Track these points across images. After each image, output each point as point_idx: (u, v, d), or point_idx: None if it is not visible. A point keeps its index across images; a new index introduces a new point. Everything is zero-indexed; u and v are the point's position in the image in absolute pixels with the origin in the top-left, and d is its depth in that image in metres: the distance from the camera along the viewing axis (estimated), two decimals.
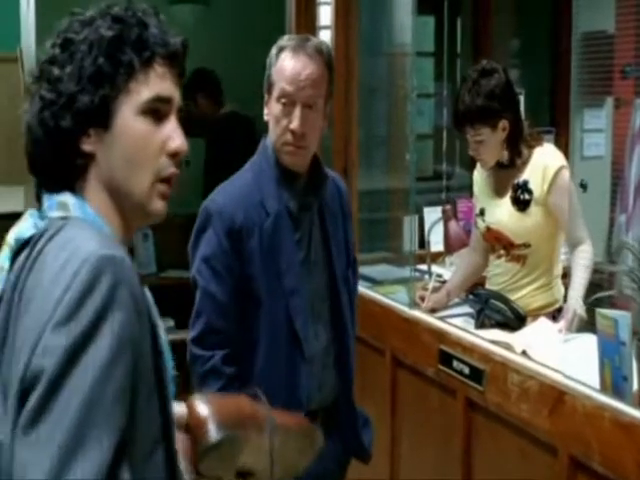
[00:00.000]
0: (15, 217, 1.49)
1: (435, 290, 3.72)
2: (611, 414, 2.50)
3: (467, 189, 5.51)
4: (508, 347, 3.08)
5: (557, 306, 3.49)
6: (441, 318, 3.50)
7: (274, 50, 2.56)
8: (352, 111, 4.19)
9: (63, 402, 1.17)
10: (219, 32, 5.65)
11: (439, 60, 5.57)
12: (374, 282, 4.09)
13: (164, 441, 1.36)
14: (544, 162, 3.37)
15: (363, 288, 3.87)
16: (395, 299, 3.78)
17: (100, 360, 1.20)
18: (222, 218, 2.50)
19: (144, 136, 1.41)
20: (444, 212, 4.03)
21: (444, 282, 3.88)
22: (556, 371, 2.78)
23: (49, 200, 1.42)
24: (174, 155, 1.44)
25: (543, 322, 3.31)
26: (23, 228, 1.41)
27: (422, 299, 3.64)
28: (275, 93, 2.52)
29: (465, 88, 3.36)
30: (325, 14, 4.27)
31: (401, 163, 3.98)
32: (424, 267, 4.19)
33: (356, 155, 4.25)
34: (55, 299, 1.22)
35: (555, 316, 3.43)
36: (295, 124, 2.48)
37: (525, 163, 3.41)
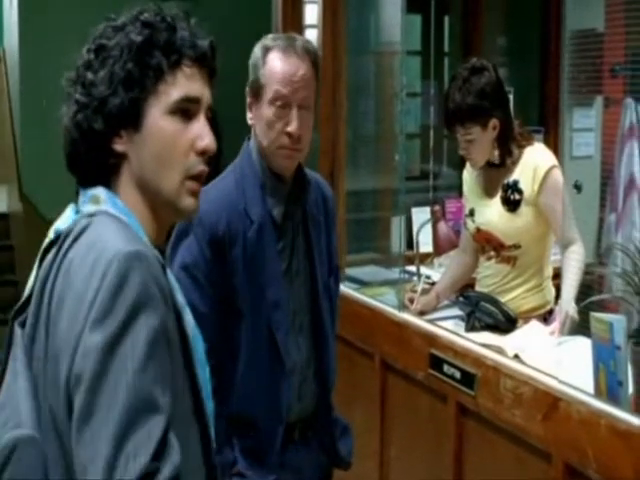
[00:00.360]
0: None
1: (424, 292, 3.68)
2: (607, 420, 2.46)
3: (455, 189, 5.49)
4: (500, 351, 3.04)
5: (548, 308, 3.46)
6: (431, 321, 3.46)
7: (260, 51, 2.47)
8: (340, 111, 4.15)
9: (107, 398, 1.25)
10: (206, 29, 5.60)
11: (426, 59, 5.54)
12: (362, 284, 4.05)
13: (197, 422, 1.46)
14: (535, 162, 3.34)
15: (351, 290, 3.84)
16: (383, 301, 3.74)
17: (138, 354, 1.27)
18: (204, 226, 2.40)
19: (173, 135, 1.48)
20: (433, 213, 3.99)
21: (433, 284, 3.85)
22: (550, 376, 2.74)
23: (83, 195, 1.52)
24: (202, 153, 1.50)
25: (534, 325, 3.28)
26: (60, 222, 1.51)
27: (411, 301, 3.60)
28: (267, 96, 2.44)
29: (455, 86, 3.32)
30: (312, 12, 4.23)
31: (389, 163, 3.95)
32: (412, 268, 4.15)
33: (344, 155, 4.21)
34: (89, 301, 1.30)
35: (546, 318, 3.41)
36: (294, 126, 2.41)
37: (515, 163, 3.38)
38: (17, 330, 1.45)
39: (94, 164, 1.50)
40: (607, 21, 4.45)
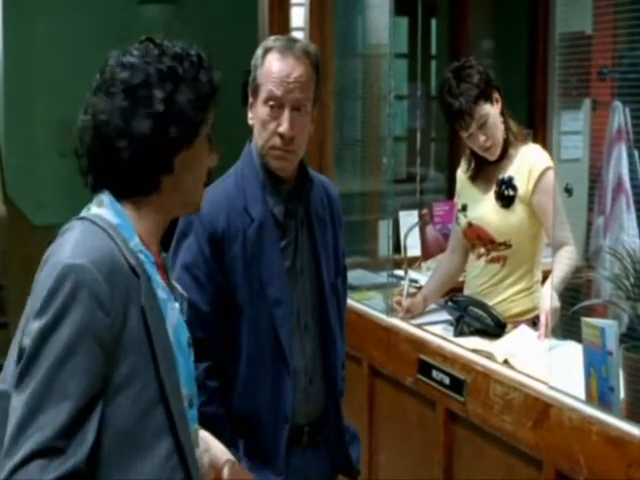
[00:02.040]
0: None
1: (411, 296, 3.65)
2: (599, 427, 2.44)
3: (442, 192, 5.49)
4: (489, 356, 3.02)
5: (537, 312, 3.42)
6: (420, 326, 3.44)
7: (259, 51, 2.49)
8: (327, 113, 4.13)
9: (34, 370, 1.58)
10: (190, 33, 5.57)
11: (413, 61, 5.53)
12: (349, 288, 4.01)
13: (162, 401, 1.68)
14: (531, 161, 3.35)
15: None
16: (370, 305, 3.72)
17: (60, 344, 1.57)
18: (203, 224, 2.42)
19: (207, 155, 1.84)
20: (421, 216, 3.96)
21: (420, 288, 3.82)
22: (540, 382, 2.72)
23: (95, 197, 1.78)
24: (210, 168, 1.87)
25: (523, 329, 3.26)
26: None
27: (399, 304, 3.58)
28: (262, 96, 2.46)
29: (447, 85, 3.35)
30: (298, 15, 4.22)
31: (377, 166, 3.93)
32: (400, 272, 4.12)
33: (331, 158, 4.19)
34: (39, 297, 1.62)
35: (535, 322, 3.38)
36: (284, 127, 2.43)
37: (511, 160, 3.39)
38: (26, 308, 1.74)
39: (147, 172, 1.74)
40: (595, 24, 4.43)
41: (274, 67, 2.44)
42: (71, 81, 5.45)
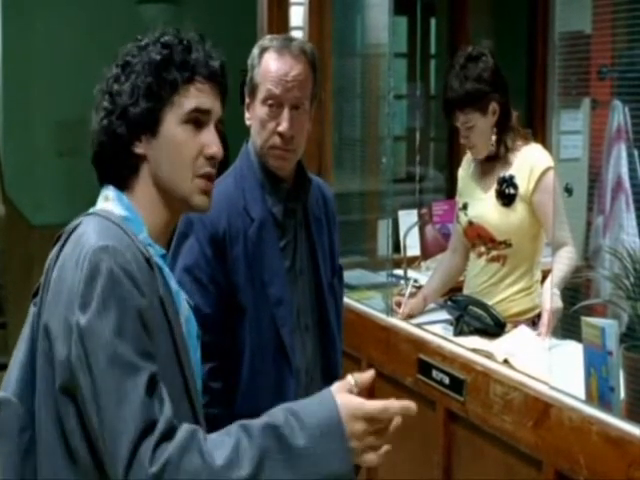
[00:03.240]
0: None
1: (411, 295, 3.65)
2: (599, 427, 2.43)
3: (441, 191, 5.48)
4: (489, 356, 3.01)
5: (537, 312, 3.42)
6: (419, 325, 3.43)
7: (256, 50, 2.49)
8: (326, 113, 4.12)
9: (96, 368, 1.51)
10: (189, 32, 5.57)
11: (412, 61, 5.53)
12: (349, 287, 4.01)
13: (188, 399, 1.67)
14: (532, 160, 3.34)
15: None
16: (370, 305, 3.71)
17: (111, 327, 1.52)
18: (204, 225, 2.40)
19: (184, 142, 1.73)
20: (421, 216, 3.95)
21: (420, 287, 3.82)
22: (540, 381, 2.71)
23: (101, 193, 1.77)
24: (210, 158, 1.75)
25: (523, 329, 3.25)
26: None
27: (398, 305, 3.57)
28: (260, 95, 2.45)
29: (453, 74, 3.34)
30: (297, 14, 4.21)
31: (376, 166, 3.92)
32: (399, 272, 4.12)
33: (330, 158, 4.19)
34: (74, 291, 1.56)
35: (535, 322, 3.38)
36: (284, 126, 2.42)
37: (512, 159, 3.38)
38: (31, 309, 1.71)
39: (117, 164, 1.74)
40: (595, 23, 4.43)
41: (272, 66, 2.44)
42: (70, 81, 5.46)
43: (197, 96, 1.73)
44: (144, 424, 1.48)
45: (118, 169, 1.75)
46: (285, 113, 2.42)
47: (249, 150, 2.54)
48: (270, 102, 2.43)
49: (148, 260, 1.65)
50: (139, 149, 1.72)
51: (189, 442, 1.49)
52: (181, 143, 1.72)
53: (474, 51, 3.38)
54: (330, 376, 2.59)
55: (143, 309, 1.57)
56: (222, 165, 1.84)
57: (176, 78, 1.72)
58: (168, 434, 1.49)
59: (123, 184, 1.75)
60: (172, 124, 1.72)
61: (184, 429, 1.51)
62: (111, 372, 1.51)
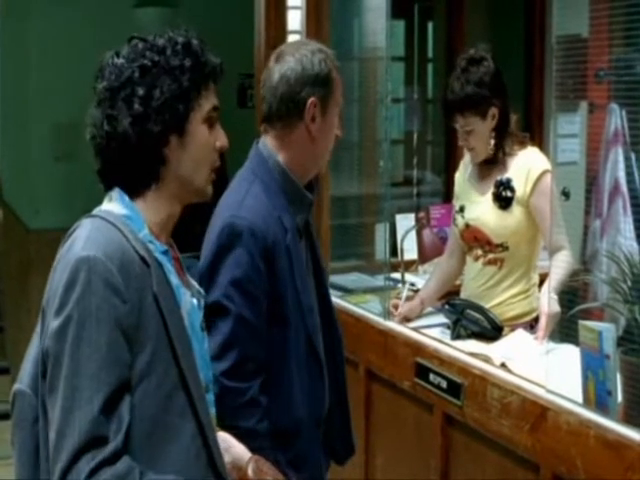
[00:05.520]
0: None
1: (408, 299, 3.65)
2: (596, 431, 2.43)
3: (438, 195, 5.48)
4: (487, 359, 3.01)
5: (534, 315, 3.43)
6: (416, 329, 3.43)
7: (325, 61, 2.46)
8: None
9: (61, 370, 1.62)
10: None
11: (409, 64, 5.53)
12: (346, 291, 4.01)
13: (182, 385, 1.73)
14: (529, 163, 3.36)
15: (335, 298, 3.78)
16: (367, 309, 3.71)
17: (82, 337, 1.61)
18: (255, 236, 2.32)
19: (207, 140, 1.86)
20: (418, 220, 3.95)
21: (417, 291, 3.82)
22: (538, 385, 2.71)
23: (106, 194, 1.85)
24: (219, 150, 1.89)
25: (520, 333, 3.26)
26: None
27: (395, 307, 3.58)
28: (337, 105, 2.49)
29: (454, 77, 3.35)
30: (295, 18, 4.20)
31: (373, 169, 3.92)
32: (397, 276, 4.12)
33: (327, 161, 4.17)
34: (56, 295, 1.67)
35: (532, 326, 3.39)
36: (341, 132, 2.53)
37: (509, 162, 3.39)
38: (43, 308, 1.78)
39: (142, 166, 1.81)
40: (592, 26, 4.43)
41: (339, 77, 2.49)
42: (67, 85, 5.45)
43: (212, 96, 1.87)
44: (91, 436, 1.58)
45: (141, 171, 1.82)
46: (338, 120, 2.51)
47: (265, 155, 2.48)
48: (338, 111, 2.50)
49: (143, 258, 1.72)
50: (167, 150, 1.81)
51: (126, 476, 1.61)
52: (204, 140, 1.85)
53: (476, 54, 3.39)
54: (339, 381, 2.61)
55: (122, 316, 1.65)
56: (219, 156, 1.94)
57: (201, 81, 1.84)
58: (113, 459, 1.59)
59: (140, 185, 1.83)
60: (196, 124, 1.83)
61: (126, 461, 1.61)
62: (71, 380, 1.61)
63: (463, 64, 3.35)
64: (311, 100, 2.42)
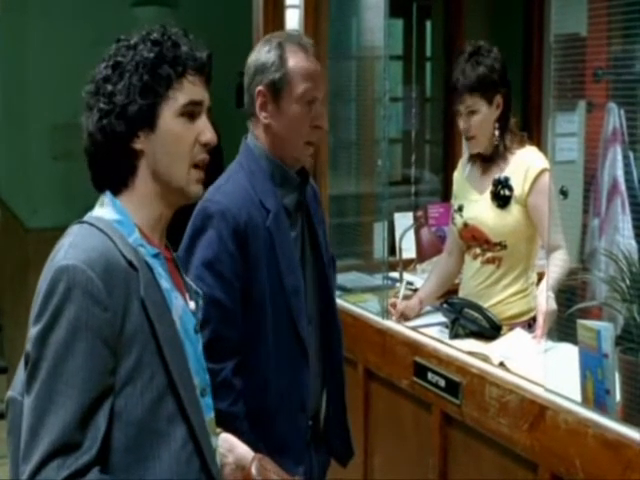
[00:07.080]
0: None
1: (406, 298, 3.64)
2: (594, 430, 2.43)
3: (436, 194, 5.48)
4: (485, 358, 3.01)
5: (533, 314, 3.42)
6: (415, 328, 3.43)
7: (277, 50, 2.48)
8: None
9: (37, 374, 1.63)
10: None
11: (408, 63, 5.52)
12: (344, 290, 4.01)
13: (171, 390, 1.72)
14: (527, 162, 3.35)
15: None
16: (365, 308, 3.71)
17: (58, 344, 1.62)
18: (226, 218, 2.38)
19: (181, 133, 1.80)
20: (416, 219, 3.95)
21: (415, 290, 3.82)
22: (536, 384, 2.71)
23: (99, 199, 1.83)
24: (205, 145, 1.83)
25: (519, 332, 3.25)
26: None
27: (393, 306, 3.57)
28: (295, 93, 2.46)
29: (463, 60, 3.35)
30: (293, 17, 4.20)
31: (372, 168, 3.92)
32: (395, 274, 4.11)
33: (326, 160, 4.18)
34: (37, 302, 1.68)
35: (530, 325, 3.38)
36: (325, 122, 2.50)
37: (508, 161, 3.39)
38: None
39: (115, 163, 1.79)
40: (590, 25, 4.43)
41: (304, 64, 2.46)
42: (65, 85, 5.44)
43: (190, 89, 1.81)
44: (62, 442, 1.59)
45: (116, 168, 1.80)
46: (322, 109, 2.48)
47: (251, 146, 2.54)
48: (308, 99, 2.46)
49: (131, 263, 1.71)
50: (138, 145, 1.78)
51: None
52: (178, 135, 1.80)
53: (485, 45, 3.40)
54: (335, 371, 2.61)
55: (102, 324, 1.65)
56: (215, 153, 1.89)
57: (170, 74, 1.78)
58: (85, 469, 1.60)
59: (121, 183, 1.81)
60: (169, 118, 1.79)
61: (95, 473, 1.61)
62: (48, 383, 1.62)
63: (471, 50, 3.36)
64: (258, 89, 2.47)
